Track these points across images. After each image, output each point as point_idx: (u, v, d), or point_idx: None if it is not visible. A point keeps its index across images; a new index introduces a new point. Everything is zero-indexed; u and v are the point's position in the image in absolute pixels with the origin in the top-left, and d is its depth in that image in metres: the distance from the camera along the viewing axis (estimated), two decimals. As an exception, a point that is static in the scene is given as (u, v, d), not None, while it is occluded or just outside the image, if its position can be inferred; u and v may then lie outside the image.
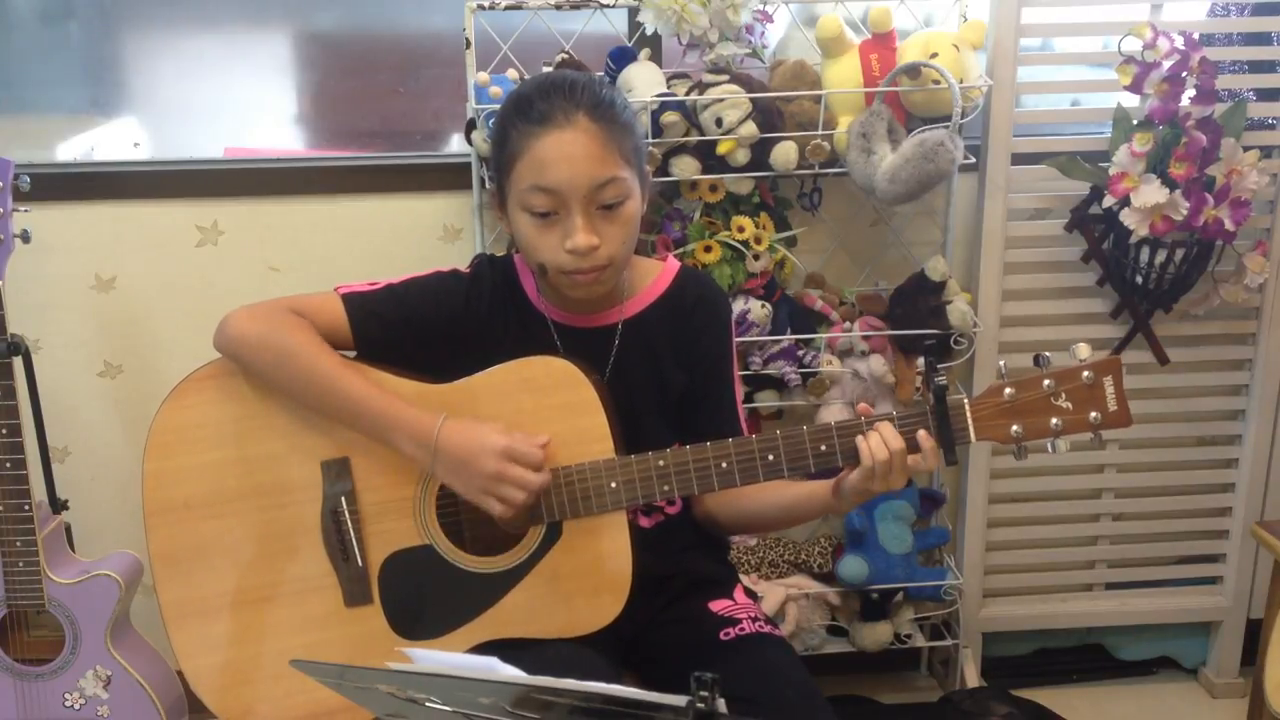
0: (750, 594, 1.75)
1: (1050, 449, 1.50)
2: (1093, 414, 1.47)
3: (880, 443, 1.48)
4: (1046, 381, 1.47)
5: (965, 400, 1.49)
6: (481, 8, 2.17)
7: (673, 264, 1.72)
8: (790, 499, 1.64)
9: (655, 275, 1.69)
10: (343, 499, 1.61)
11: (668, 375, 1.67)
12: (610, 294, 1.64)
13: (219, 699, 1.64)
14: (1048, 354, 1.48)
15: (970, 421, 1.49)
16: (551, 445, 1.55)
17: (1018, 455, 1.51)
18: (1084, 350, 1.46)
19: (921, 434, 1.49)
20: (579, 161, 1.50)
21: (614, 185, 1.52)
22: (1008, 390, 1.48)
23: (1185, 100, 2.21)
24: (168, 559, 1.63)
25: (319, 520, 1.62)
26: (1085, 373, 1.47)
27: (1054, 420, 1.48)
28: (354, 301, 1.62)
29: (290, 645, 1.61)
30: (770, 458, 1.52)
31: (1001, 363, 1.52)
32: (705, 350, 1.69)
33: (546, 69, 2.18)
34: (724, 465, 1.53)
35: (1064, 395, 1.47)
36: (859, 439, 1.49)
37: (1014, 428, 1.48)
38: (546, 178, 1.51)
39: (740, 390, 1.75)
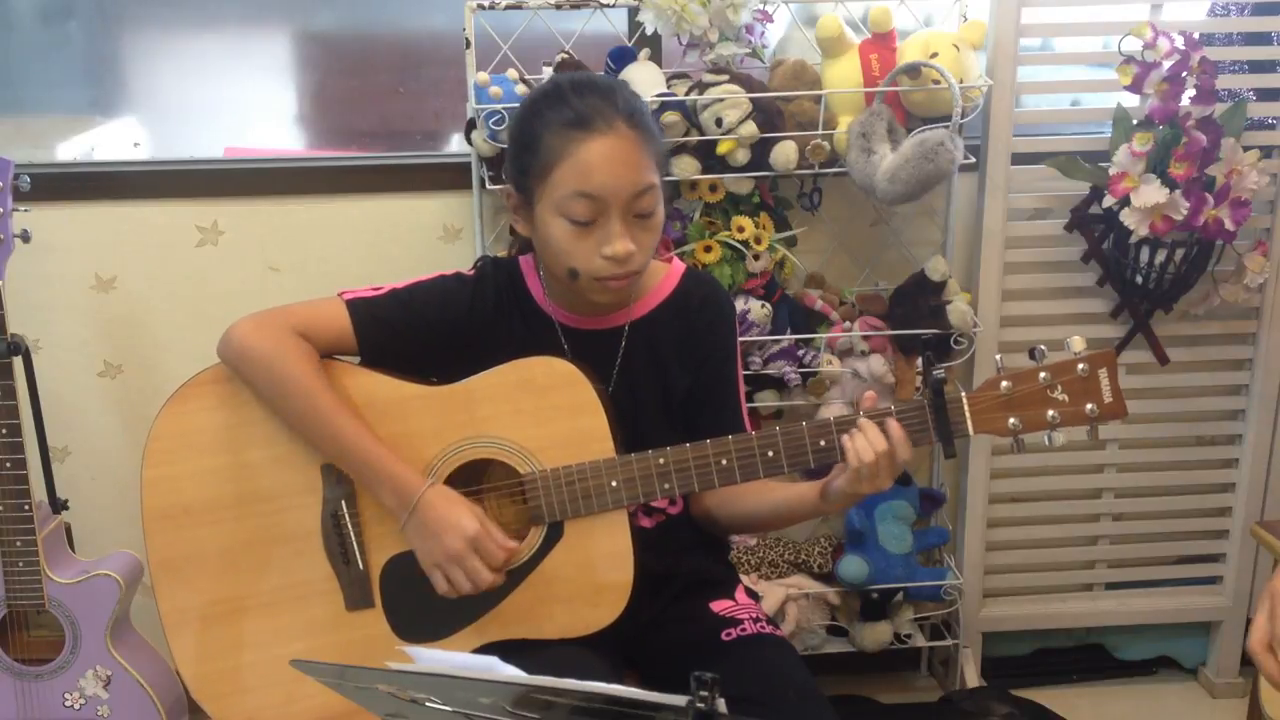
0: (751, 594, 1.75)
1: (1047, 441, 1.50)
2: (1089, 406, 1.48)
3: (866, 444, 1.47)
4: (1042, 374, 1.48)
5: (963, 394, 1.50)
6: (481, 8, 2.17)
7: (678, 266, 1.72)
8: (780, 501, 1.64)
9: (661, 277, 1.69)
10: (343, 502, 1.60)
11: (673, 377, 1.67)
12: None
13: (220, 706, 1.63)
14: (1043, 346, 1.48)
15: (968, 415, 1.49)
16: (551, 445, 1.56)
17: (1016, 448, 1.52)
18: (1078, 343, 1.47)
19: (891, 423, 1.48)
20: (622, 168, 1.50)
21: (650, 193, 1.53)
22: (1004, 383, 1.49)
23: (1185, 100, 2.21)
24: (167, 566, 1.63)
25: (319, 524, 1.61)
26: (1080, 365, 1.48)
27: (1050, 413, 1.49)
28: (358, 307, 1.62)
29: (291, 651, 1.60)
30: (770, 454, 1.52)
31: (998, 356, 1.53)
32: (710, 352, 1.69)
33: (547, 69, 2.19)
34: (724, 462, 1.53)
35: (1060, 387, 1.48)
36: (844, 439, 1.49)
37: (1011, 420, 1.49)
38: (591, 184, 1.49)
39: (744, 392, 1.74)
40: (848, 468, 1.49)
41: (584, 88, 1.53)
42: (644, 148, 1.52)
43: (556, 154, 1.51)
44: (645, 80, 2.13)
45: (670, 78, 2.20)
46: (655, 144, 1.55)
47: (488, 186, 2.22)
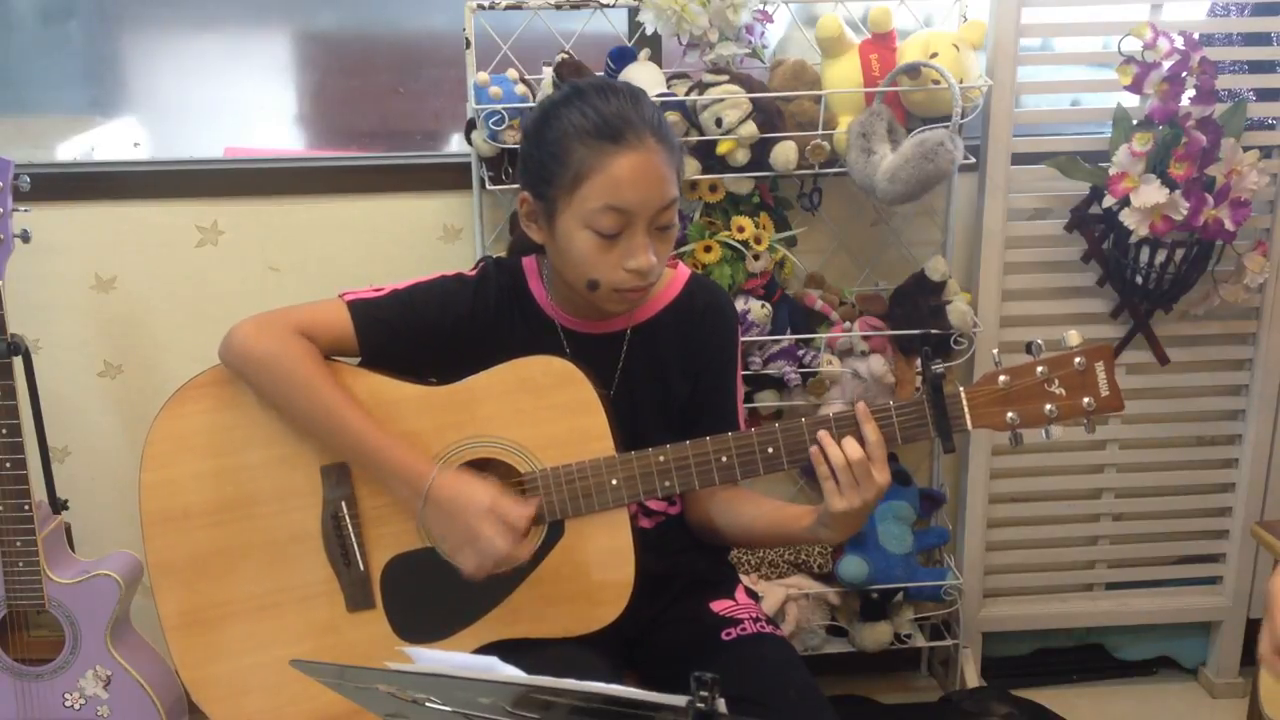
0: (751, 594, 1.75)
1: (1045, 435, 1.51)
2: (1086, 400, 1.49)
3: (837, 452, 1.47)
4: (1039, 369, 1.49)
5: (961, 389, 1.50)
6: (481, 8, 2.17)
7: (683, 271, 1.71)
8: (776, 516, 1.64)
9: (665, 282, 1.68)
10: (343, 503, 1.60)
11: (673, 383, 1.67)
12: None
13: (220, 709, 1.63)
14: (1040, 341, 1.49)
15: (966, 409, 1.50)
16: (551, 444, 1.56)
17: (1014, 442, 1.52)
18: (1075, 338, 1.48)
19: (867, 428, 1.48)
20: (653, 183, 1.50)
21: (673, 207, 1.53)
22: (1002, 378, 1.49)
23: (1185, 100, 2.21)
24: (167, 569, 1.62)
25: (319, 526, 1.61)
26: (1077, 359, 1.48)
27: (1048, 407, 1.49)
28: (359, 308, 1.61)
29: (292, 652, 1.59)
30: (770, 451, 1.52)
31: (995, 351, 1.54)
32: (711, 358, 1.69)
33: (547, 69, 2.18)
34: (724, 459, 1.53)
35: (1057, 382, 1.49)
36: (812, 451, 1.48)
37: (1009, 414, 1.49)
38: (623, 198, 1.49)
39: (742, 400, 1.74)
40: (822, 486, 1.48)
41: (610, 96, 1.52)
42: (669, 161, 1.52)
43: (587, 166, 1.49)
44: (645, 80, 2.13)
45: (670, 78, 2.20)
46: (677, 156, 1.55)
47: (488, 186, 2.22)
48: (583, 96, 1.53)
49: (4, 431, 1.94)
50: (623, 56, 2.19)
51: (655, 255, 1.52)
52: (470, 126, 2.19)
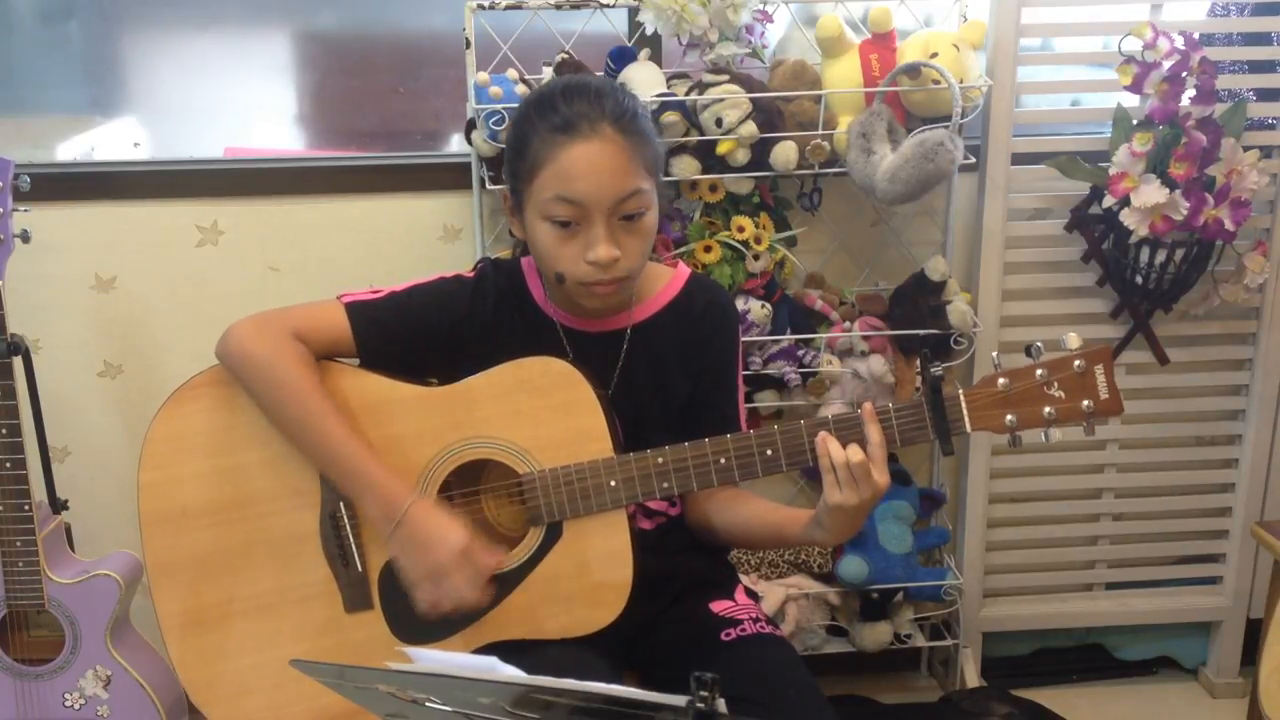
0: (751, 594, 1.75)
1: (1044, 438, 1.51)
2: (1085, 402, 1.48)
3: (838, 448, 1.47)
4: (1039, 371, 1.49)
5: (960, 391, 1.50)
6: (481, 8, 2.17)
7: (683, 270, 1.71)
8: (773, 517, 1.64)
9: (665, 281, 1.69)
10: (341, 504, 1.60)
11: (673, 383, 1.67)
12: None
13: (219, 710, 1.63)
14: (1040, 344, 1.49)
15: (966, 412, 1.49)
16: (549, 446, 1.56)
17: (1012, 444, 1.52)
18: (1074, 340, 1.48)
19: (870, 429, 1.48)
20: (605, 174, 1.50)
21: (636, 198, 1.52)
22: (1001, 380, 1.49)
23: (1185, 100, 2.21)
24: (165, 569, 1.62)
25: (318, 526, 1.61)
26: (1076, 362, 1.48)
27: (1047, 409, 1.49)
28: (357, 310, 1.62)
29: (290, 653, 1.59)
30: (769, 453, 1.52)
31: (994, 354, 1.54)
32: (712, 358, 1.69)
33: (547, 69, 2.19)
34: (722, 461, 1.53)
35: (1056, 384, 1.49)
36: (817, 441, 1.48)
37: (1008, 417, 1.49)
38: (572, 189, 1.50)
39: (743, 399, 1.74)
40: (824, 478, 1.48)
41: (574, 92, 1.53)
42: (631, 152, 1.51)
43: (541, 158, 1.51)
44: (645, 80, 2.13)
45: (670, 78, 2.20)
46: (646, 148, 1.54)
47: (488, 186, 2.22)
48: (549, 93, 1.56)
49: (4, 431, 1.94)
50: (623, 56, 2.19)
51: (620, 248, 1.52)
52: (470, 126, 2.19)
